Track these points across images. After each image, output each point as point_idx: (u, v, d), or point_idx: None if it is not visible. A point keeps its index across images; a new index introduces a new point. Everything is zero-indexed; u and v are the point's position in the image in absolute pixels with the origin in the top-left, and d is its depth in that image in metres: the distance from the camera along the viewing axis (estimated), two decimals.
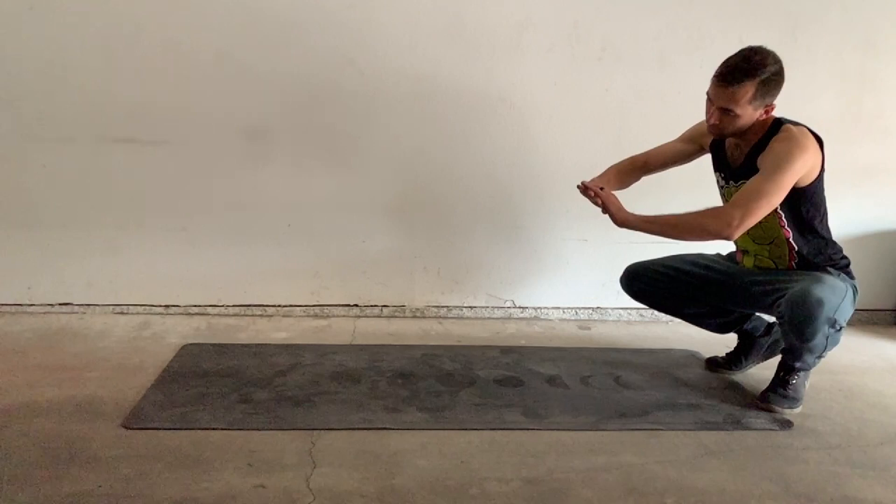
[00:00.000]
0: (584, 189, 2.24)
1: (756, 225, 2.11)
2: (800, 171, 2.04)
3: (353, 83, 2.82)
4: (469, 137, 2.92)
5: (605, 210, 2.21)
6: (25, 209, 2.82)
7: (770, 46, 2.99)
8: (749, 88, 2.01)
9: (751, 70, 2.01)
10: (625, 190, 2.41)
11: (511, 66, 2.88)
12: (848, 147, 3.05)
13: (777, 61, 2.04)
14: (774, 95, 2.07)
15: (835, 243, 2.24)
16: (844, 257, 2.25)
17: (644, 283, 2.42)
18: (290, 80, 2.80)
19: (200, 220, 2.89)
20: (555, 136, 2.95)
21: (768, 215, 2.11)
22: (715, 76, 2.07)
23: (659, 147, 2.41)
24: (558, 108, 2.93)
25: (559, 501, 1.63)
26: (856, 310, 2.23)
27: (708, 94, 2.11)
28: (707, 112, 2.14)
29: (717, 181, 2.33)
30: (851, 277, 2.22)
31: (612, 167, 2.42)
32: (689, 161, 2.40)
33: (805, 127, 2.12)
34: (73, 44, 2.69)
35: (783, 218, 2.16)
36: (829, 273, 2.15)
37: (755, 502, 1.66)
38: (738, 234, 2.06)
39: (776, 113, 2.14)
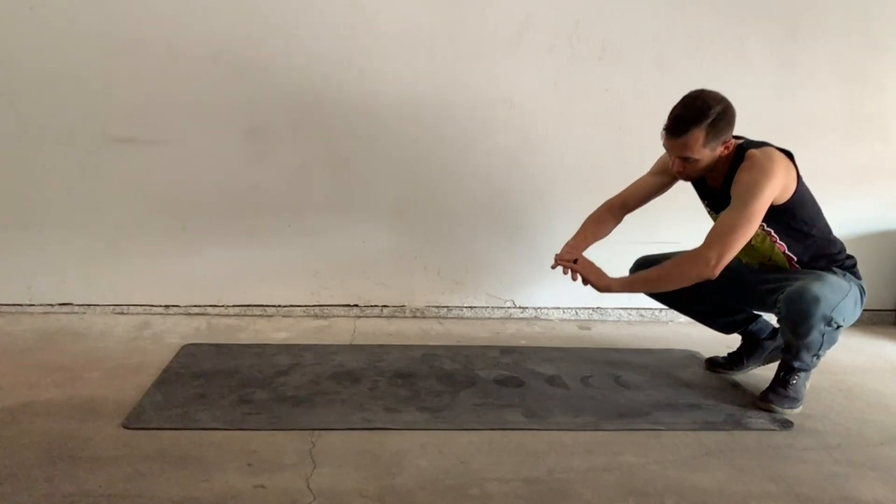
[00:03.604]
0: (557, 265, 2.26)
1: (748, 248, 2.13)
2: (769, 196, 2.03)
3: (354, 83, 2.82)
4: (469, 137, 2.92)
5: (585, 282, 2.21)
6: (25, 209, 2.82)
7: (770, 46, 3.01)
8: (699, 135, 2.02)
9: (695, 117, 2.01)
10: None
11: (511, 66, 2.88)
12: (848, 147, 3.05)
13: (720, 101, 2.03)
14: (728, 132, 2.06)
15: (835, 242, 2.23)
16: (850, 257, 2.24)
17: None
18: (291, 80, 2.80)
19: (200, 220, 2.89)
20: (555, 136, 2.95)
21: (758, 237, 2.13)
22: (664, 129, 2.07)
23: (633, 185, 2.39)
24: (558, 108, 2.93)
25: (559, 501, 1.63)
26: None
27: (664, 145, 2.12)
28: (670, 160, 2.15)
29: (705, 208, 2.34)
30: (858, 277, 2.21)
31: (588, 218, 2.40)
32: (665, 191, 2.37)
33: (770, 147, 2.11)
34: (73, 44, 2.70)
35: (773, 234, 2.16)
36: (834, 273, 2.15)
37: (755, 502, 1.66)
38: (720, 269, 2.06)
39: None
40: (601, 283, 2.19)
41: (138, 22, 2.70)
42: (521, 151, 2.96)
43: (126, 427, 1.90)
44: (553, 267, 2.28)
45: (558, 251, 2.31)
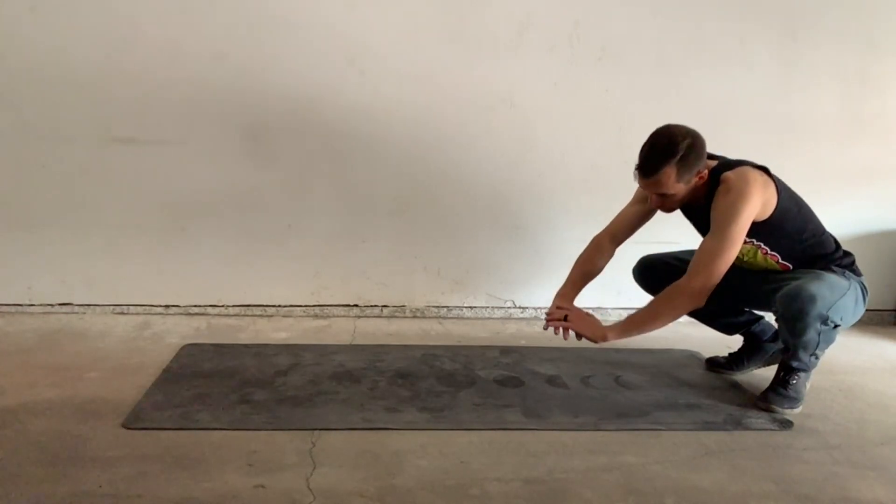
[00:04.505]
0: (548, 326, 2.22)
1: (742, 264, 2.14)
2: (748, 218, 2.03)
3: (353, 83, 2.82)
4: (469, 137, 2.92)
5: (580, 337, 2.17)
6: (25, 209, 2.82)
7: (770, 46, 3.01)
8: (670, 172, 2.02)
9: (663, 156, 2.01)
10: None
11: (511, 66, 2.88)
12: (848, 147, 3.06)
13: (687, 135, 2.03)
14: (700, 163, 2.05)
15: (829, 241, 2.22)
16: (847, 254, 2.24)
17: (657, 275, 2.42)
18: (290, 80, 2.80)
19: (200, 220, 2.89)
20: (555, 136, 2.95)
21: (749, 252, 2.15)
22: (636, 169, 2.07)
23: (618, 216, 2.36)
24: (558, 108, 2.93)
25: (559, 501, 1.63)
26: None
27: (639, 184, 2.12)
28: (648, 196, 2.16)
29: (695, 228, 2.33)
30: (858, 274, 2.21)
31: (577, 261, 2.35)
32: (651, 217, 2.34)
33: (746, 165, 2.10)
34: (73, 44, 2.70)
35: (762, 247, 2.16)
36: (833, 272, 2.14)
37: (755, 502, 1.66)
38: (706, 296, 2.06)
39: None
40: (596, 335, 2.15)
41: (138, 22, 2.70)
42: (521, 151, 2.96)
43: (126, 427, 1.90)
44: (545, 328, 2.25)
45: (548, 308, 2.26)
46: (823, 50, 2.98)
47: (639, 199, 2.33)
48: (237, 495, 1.60)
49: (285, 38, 2.77)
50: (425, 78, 2.85)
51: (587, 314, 2.22)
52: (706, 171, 2.09)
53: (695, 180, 2.07)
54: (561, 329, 2.20)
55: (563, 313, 2.21)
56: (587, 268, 2.34)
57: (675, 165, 2.01)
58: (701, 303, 2.07)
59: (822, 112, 3.02)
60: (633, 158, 2.52)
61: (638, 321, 2.15)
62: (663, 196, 2.09)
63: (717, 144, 2.96)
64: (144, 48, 2.72)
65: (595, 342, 2.17)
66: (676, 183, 2.04)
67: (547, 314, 2.25)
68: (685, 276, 2.09)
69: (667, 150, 2.01)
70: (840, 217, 3.03)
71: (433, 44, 2.83)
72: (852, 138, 3.05)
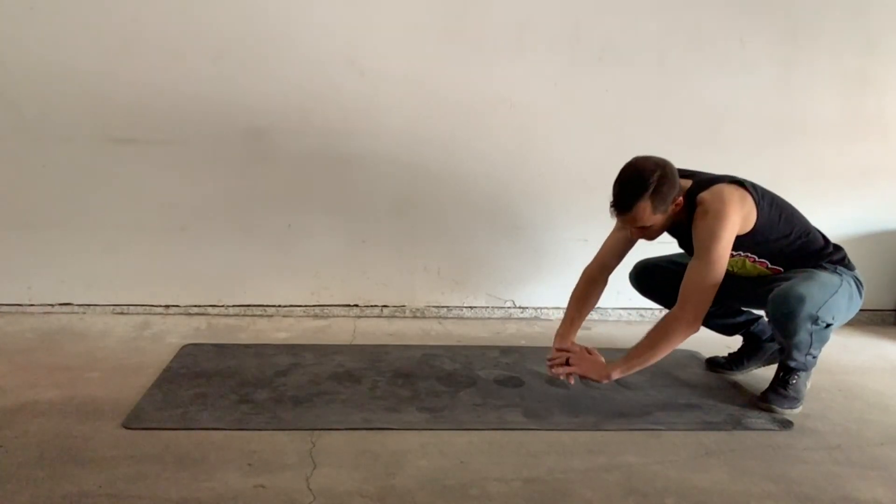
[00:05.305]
0: (552, 369, 2.17)
1: (733, 276, 2.13)
2: (729, 237, 2.02)
3: (353, 83, 2.82)
4: (469, 137, 2.92)
5: (584, 377, 2.13)
6: (25, 209, 2.82)
7: (770, 46, 3.01)
8: (644, 206, 2.00)
9: (636, 192, 1.99)
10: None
11: (511, 66, 2.88)
12: (848, 147, 3.06)
13: (657, 167, 2.00)
14: (673, 192, 2.03)
15: (817, 238, 2.20)
16: (838, 249, 2.22)
17: (654, 278, 2.42)
18: (291, 80, 2.80)
19: (200, 220, 2.89)
20: (555, 136, 2.95)
21: (737, 263, 2.14)
22: (611, 206, 2.05)
23: (605, 246, 2.33)
24: (558, 108, 2.93)
25: (559, 501, 1.63)
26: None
27: (617, 219, 2.11)
28: (627, 228, 2.15)
29: (680, 247, 2.32)
30: (850, 269, 2.19)
31: (571, 298, 2.32)
32: (636, 243, 2.32)
33: (721, 182, 2.07)
34: (73, 44, 2.70)
35: (750, 256, 2.16)
36: (825, 269, 2.14)
37: (755, 502, 1.66)
38: (701, 320, 2.05)
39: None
40: (601, 374, 2.10)
41: (138, 21, 2.70)
42: (521, 151, 2.96)
43: (126, 427, 1.90)
44: (548, 375, 2.21)
45: (549, 354, 2.20)
46: (823, 50, 2.98)
47: (622, 227, 2.30)
48: (237, 495, 1.60)
49: (286, 39, 2.77)
50: (425, 78, 2.85)
51: (588, 352, 2.17)
52: (682, 198, 2.07)
53: (671, 208, 2.05)
54: (562, 376, 2.15)
55: (564, 356, 2.17)
56: (583, 303, 2.31)
57: (649, 199, 1.99)
58: (696, 329, 2.05)
59: (822, 112, 3.02)
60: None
61: (638, 356, 2.09)
62: (641, 228, 2.08)
63: (718, 145, 2.97)
64: (144, 48, 2.72)
65: (599, 382, 2.12)
66: (653, 215, 2.02)
67: (548, 359, 2.20)
68: (677, 306, 2.06)
69: (638, 185, 1.99)
70: (840, 217, 3.03)
71: (433, 44, 2.84)
72: (852, 138, 3.05)
